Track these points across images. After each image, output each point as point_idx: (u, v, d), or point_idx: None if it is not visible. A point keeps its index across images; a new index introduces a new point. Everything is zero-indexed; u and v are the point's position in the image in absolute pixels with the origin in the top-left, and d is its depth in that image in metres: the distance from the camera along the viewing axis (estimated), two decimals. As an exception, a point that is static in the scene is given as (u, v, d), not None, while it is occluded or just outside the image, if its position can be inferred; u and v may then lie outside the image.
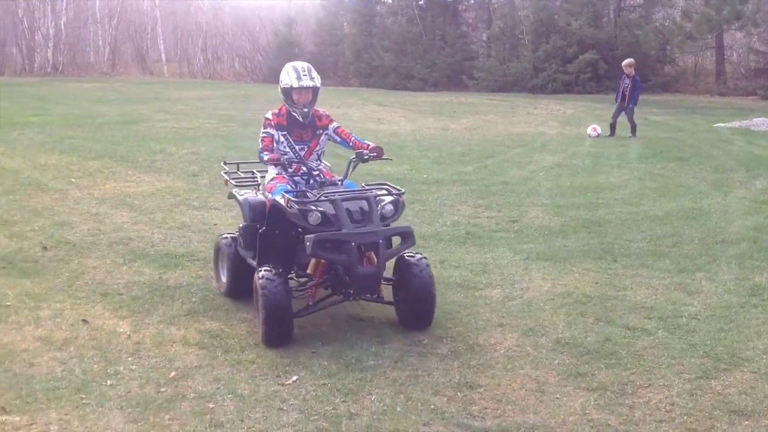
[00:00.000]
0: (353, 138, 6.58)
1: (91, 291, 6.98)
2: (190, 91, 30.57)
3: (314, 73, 6.46)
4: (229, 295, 6.79)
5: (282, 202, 5.89)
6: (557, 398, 5.06)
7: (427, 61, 38.08)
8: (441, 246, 8.75)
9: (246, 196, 6.71)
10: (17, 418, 4.60)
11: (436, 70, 38.00)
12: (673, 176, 13.38)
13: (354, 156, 6.46)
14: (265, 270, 5.79)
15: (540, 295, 7.09)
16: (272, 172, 6.56)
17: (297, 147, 6.49)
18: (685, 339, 6.06)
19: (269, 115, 6.50)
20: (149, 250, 8.23)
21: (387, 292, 6.42)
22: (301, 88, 6.36)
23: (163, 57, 47.30)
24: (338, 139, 6.60)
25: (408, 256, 6.15)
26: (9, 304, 6.53)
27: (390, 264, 6.31)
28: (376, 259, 5.82)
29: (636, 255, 8.42)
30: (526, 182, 12.85)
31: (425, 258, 6.21)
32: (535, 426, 4.67)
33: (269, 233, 6.17)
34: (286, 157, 6.37)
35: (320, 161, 6.68)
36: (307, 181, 6.42)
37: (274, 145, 6.42)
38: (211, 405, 4.86)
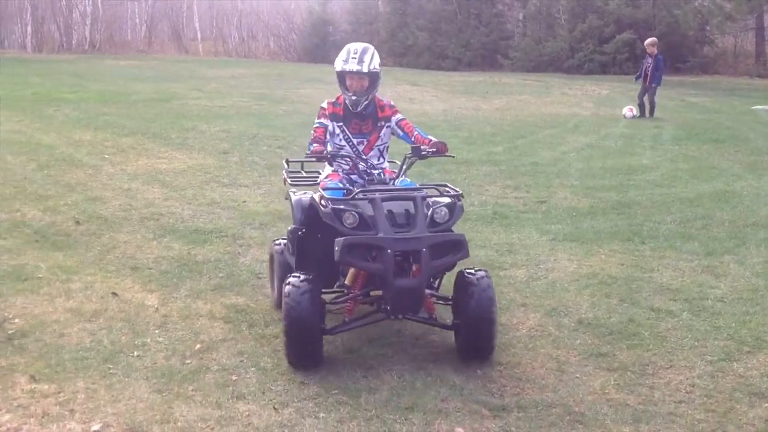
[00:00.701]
0: (416, 132, 5.71)
1: (121, 265, 7.10)
2: (224, 69, 30.72)
3: (368, 57, 5.58)
4: (279, 307, 5.69)
5: (317, 200, 5.27)
6: (577, 377, 5.08)
7: (461, 40, 37.84)
8: (468, 226, 8.74)
9: (299, 196, 5.92)
10: (46, 386, 4.72)
11: (470, 49, 37.76)
12: (707, 158, 13.24)
13: (410, 152, 5.59)
14: (293, 276, 5.05)
15: (565, 276, 7.09)
16: (328, 169, 5.84)
17: (355, 140, 5.71)
18: (709, 321, 6.03)
19: (324, 104, 5.81)
20: (179, 226, 8.35)
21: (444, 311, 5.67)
22: (350, 73, 5.57)
23: (199, 35, 47.56)
24: (401, 133, 5.76)
25: (468, 272, 5.25)
26: (41, 276, 6.68)
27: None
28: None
29: (664, 237, 8.36)
30: (557, 163, 12.79)
31: (488, 276, 5.21)
32: (553, 404, 4.70)
33: (308, 237, 5.51)
34: (332, 150, 5.59)
35: (383, 158, 5.85)
36: (369, 180, 5.58)
37: (328, 137, 5.71)
38: (234, 377, 4.95)
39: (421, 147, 5.46)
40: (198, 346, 5.39)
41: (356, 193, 5.07)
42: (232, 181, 10.55)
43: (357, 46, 5.68)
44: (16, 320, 5.71)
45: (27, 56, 37.86)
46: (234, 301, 6.25)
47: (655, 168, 12.40)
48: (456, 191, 5.21)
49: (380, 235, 4.81)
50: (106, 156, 11.83)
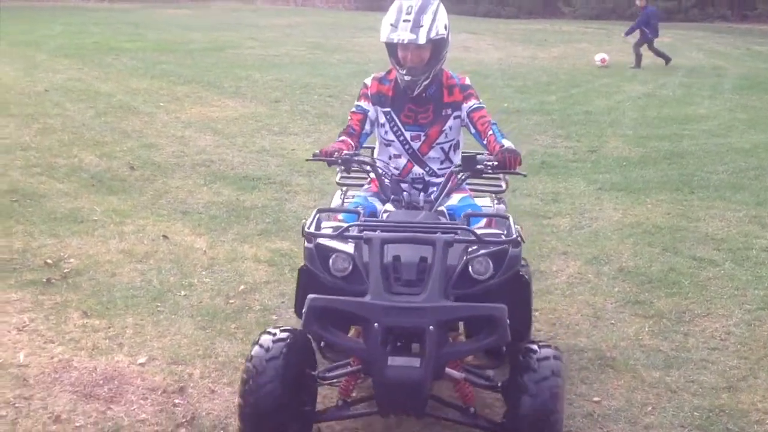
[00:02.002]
0: (491, 132, 3.90)
1: (172, 209, 7.31)
2: (280, 18, 30.78)
3: (428, 17, 3.86)
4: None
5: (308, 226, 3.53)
6: (612, 324, 5.13)
7: (521, -13, 37.24)
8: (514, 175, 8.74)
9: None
10: (97, 322, 4.95)
11: (530, -4, 37.15)
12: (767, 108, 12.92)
13: (458, 164, 3.91)
14: (266, 333, 3.46)
15: (608, 225, 7.08)
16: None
17: (408, 134, 4.06)
18: (751, 271, 5.99)
19: (368, 79, 4.17)
20: (229, 173, 8.53)
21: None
22: (401, 45, 3.89)
23: (257, -17, 47.54)
24: (472, 130, 4.03)
25: (529, 349, 3.40)
26: (96, 219, 6.92)
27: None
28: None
29: (714, 187, 8.26)
30: (611, 112, 12.64)
31: (556, 356, 3.37)
32: (585, 348, 4.76)
33: (313, 275, 3.59)
34: (346, 152, 3.80)
35: (449, 161, 4.11)
36: (425, 191, 4.09)
37: (367, 127, 4.10)
38: (274, 317, 5.12)
39: (478, 157, 3.69)
40: (242, 287, 5.57)
41: (347, 227, 3.44)
42: (282, 129, 10.69)
43: (411, 1, 3.92)
44: (72, 260, 5.95)
45: (87, 5, 38.37)
46: (278, 246, 6.41)
47: (712, 117, 12.17)
48: (514, 232, 3.47)
49: (367, 298, 3.17)
50: (161, 104, 12.06)
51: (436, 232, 3.33)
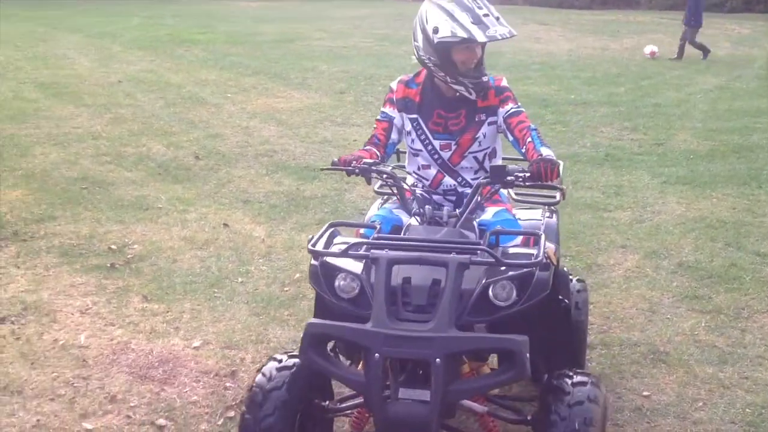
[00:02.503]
0: (529, 139, 3.48)
1: (234, 198, 7.46)
2: (350, 9, 30.94)
3: (495, 8, 3.49)
4: None
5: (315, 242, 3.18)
6: (667, 318, 5.04)
7: (595, -23, 36.55)
8: (577, 167, 8.66)
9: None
10: (156, 306, 5.10)
11: (604, -13, 36.44)
12: None
13: (486, 176, 3.39)
14: (272, 359, 3.23)
15: (671, 219, 6.95)
16: (409, 179, 3.83)
17: (436, 143, 3.65)
18: (817, 268, 5.82)
19: (394, 84, 3.78)
20: (290, 163, 8.65)
21: None
22: (471, 43, 3.42)
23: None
24: (510, 137, 3.60)
25: (559, 374, 3.08)
26: (161, 206, 7.11)
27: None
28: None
29: (784, 182, 8.04)
30: (681, 105, 12.37)
31: (593, 383, 3.00)
32: (638, 343, 4.70)
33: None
34: (368, 161, 3.41)
35: (484, 170, 3.65)
36: (458, 203, 3.68)
37: (394, 136, 3.74)
38: (327, 305, 5.19)
39: (509, 168, 3.27)
40: (297, 275, 5.66)
41: (353, 244, 3.08)
42: (345, 120, 10.78)
43: None
44: (135, 246, 6.13)
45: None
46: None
47: (787, 111, 11.81)
48: (538, 255, 2.95)
49: (368, 324, 2.83)
50: (229, 95, 12.28)
51: (452, 252, 2.93)
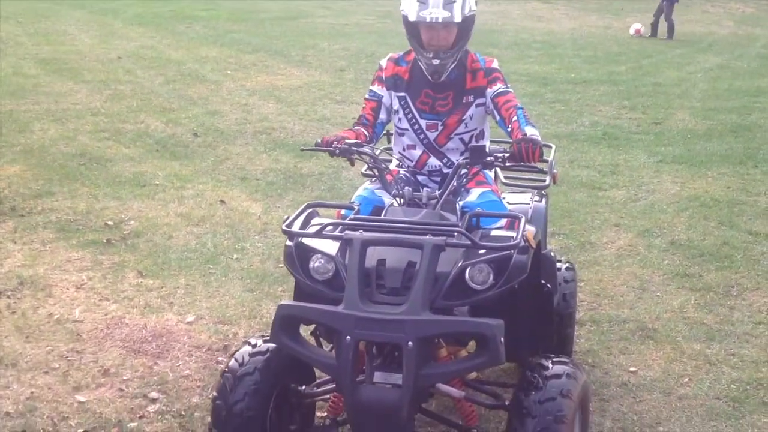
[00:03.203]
0: (515, 117, 3.47)
1: (231, 175, 7.50)
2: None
3: None
4: None
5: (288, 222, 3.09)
6: (657, 296, 5.09)
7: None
8: (574, 146, 8.68)
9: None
10: (151, 282, 5.15)
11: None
12: None
13: (465, 155, 3.47)
14: (246, 343, 3.20)
15: (665, 198, 6.98)
16: (394, 161, 3.87)
17: (423, 122, 3.61)
18: (809, 247, 5.85)
19: (383, 61, 3.68)
20: (288, 140, 8.67)
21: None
22: (429, 24, 3.40)
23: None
24: (497, 117, 3.57)
25: (536, 362, 3.02)
26: (158, 183, 7.15)
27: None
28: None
29: (780, 161, 8.05)
30: (681, 84, 12.37)
31: (570, 373, 2.93)
32: (627, 320, 4.75)
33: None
34: (349, 141, 3.36)
35: (476, 155, 3.29)
36: (440, 186, 3.47)
37: (383, 115, 3.68)
38: (320, 281, 5.23)
39: (488, 150, 3.27)
40: (292, 251, 5.69)
41: (326, 225, 3.04)
42: (345, 98, 10.79)
43: None
44: (132, 222, 6.18)
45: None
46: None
47: (787, 90, 11.80)
48: (513, 239, 2.90)
49: (340, 307, 2.78)
50: (229, 72, 12.28)
51: (427, 234, 2.86)
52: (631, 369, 4.21)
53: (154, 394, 3.88)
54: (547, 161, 4.00)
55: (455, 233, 2.88)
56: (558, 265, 4.05)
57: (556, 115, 10.02)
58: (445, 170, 3.63)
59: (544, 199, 4.03)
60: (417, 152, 3.66)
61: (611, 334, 4.59)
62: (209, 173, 7.53)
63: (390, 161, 3.82)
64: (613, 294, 5.12)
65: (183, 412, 3.73)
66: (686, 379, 4.12)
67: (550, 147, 4.20)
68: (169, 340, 4.40)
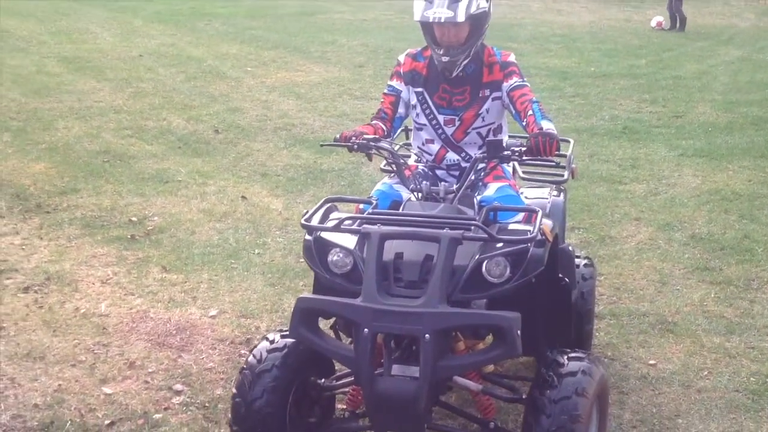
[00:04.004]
0: (530, 111, 3.47)
1: (252, 171, 7.56)
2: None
3: None
4: None
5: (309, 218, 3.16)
6: (677, 290, 5.10)
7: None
8: (594, 140, 8.67)
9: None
10: (174, 276, 5.23)
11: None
12: None
13: (482, 150, 3.46)
14: (264, 339, 3.26)
15: (686, 191, 6.98)
16: (413, 156, 3.89)
17: (441, 118, 3.65)
18: (831, 240, 5.83)
19: (402, 57, 3.75)
20: (309, 136, 8.73)
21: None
22: (437, 24, 3.46)
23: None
24: (512, 110, 3.60)
25: (553, 354, 3.08)
26: (181, 179, 7.23)
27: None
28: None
29: (802, 154, 8.02)
30: (701, 77, 12.30)
31: (587, 368, 2.97)
32: (647, 313, 4.76)
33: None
34: (367, 136, 3.41)
35: (493, 149, 3.28)
36: (458, 180, 3.53)
37: (401, 110, 3.72)
38: (341, 275, 5.29)
39: (506, 143, 3.30)
40: (313, 246, 5.75)
41: (345, 219, 3.10)
42: (364, 93, 10.83)
43: None
44: (155, 218, 6.26)
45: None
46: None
47: (810, 82, 11.72)
48: (530, 233, 2.93)
49: (358, 300, 2.83)
50: (249, 69, 12.36)
51: (445, 228, 2.90)
52: (651, 362, 4.23)
53: (178, 387, 3.95)
54: (564, 155, 4.01)
55: (472, 227, 2.92)
56: (576, 261, 4.04)
57: (576, 110, 10.01)
58: (464, 164, 3.65)
59: (562, 194, 4.06)
60: (435, 147, 3.70)
61: (631, 328, 4.61)
62: (230, 169, 7.60)
63: (409, 157, 3.85)
64: (633, 288, 5.13)
65: (207, 404, 3.80)
66: (705, 372, 4.13)
67: (569, 142, 4.25)
68: (193, 334, 4.47)
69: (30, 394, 3.84)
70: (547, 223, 3.09)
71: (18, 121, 8.96)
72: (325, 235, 3.08)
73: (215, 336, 4.46)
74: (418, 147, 3.77)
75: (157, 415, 3.72)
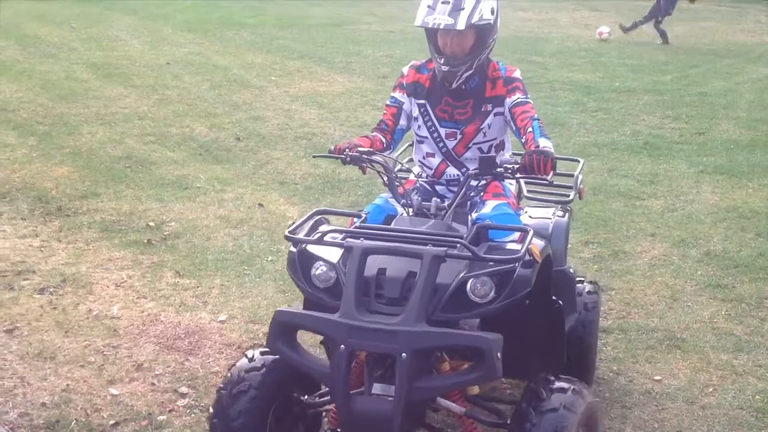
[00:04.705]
0: (530, 129, 3.40)
1: (271, 179, 7.64)
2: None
3: (470, 0, 3.35)
4: None
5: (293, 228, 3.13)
6: (687, 306, 5.08)
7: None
8: (614, 155, 8.65)
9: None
10: (187, 281, 5.30)
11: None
12: None
13: (473, 168, 3.39)
14: (245, 356, 3.18)
15: (703, 208, 6.94)
16: (415, 170, 3.88)
17: (442, 131, 3.59)
18: None
19: (405, 68, 3.72)
20: (328, 146, 8.64)
21: None
22: (431, 29, 3.45)
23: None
24: (513, 127, 3.53)
25: (540, 383, 2.89)
26: (200, 186, 7.31)
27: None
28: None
29: (824, 173, 7.94)
30: (727, 94, 12.21)
31: (574, 395, 2.84)
32: (656, 329, 4.75)
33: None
34: (361, 149, 3.38)
35: (486, 166, 3.26)
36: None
37: (403, 122, 3.67)
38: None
39: (499, 160, 3.31)
40: (326, 254, 5.80)
41: (328, 232, 3.05)
42: (386, 104, 10.87)
43: None
44: (173, 223, 6.34)
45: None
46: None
47: (835, 101, 11.60)
48: (517, 253, 2.87)
49: (336, 315, 2.77)
50: (273, 78, 12.46)
51: (424, 248, 2.80)
52: (656, 377, 4.23)
53: (184, 389, 4.01)
54: (571, 175, 4.00)
55: (457, 245, 2.85)
56: (579, 287, 3.96)
57: (598, 124, 9.98)
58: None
59: (567, 215, 3.96)
60: (436, 161, 3.64)
61: (638, 343, 4.60)
62: (249, 177, 7.68)
63: (410, 171, 3.83)
64: (644, 303, 5.12)
65: (211, 407, 3.84)
66: (711, 389, 4.12)
67: (578, 161, 4.22)
68: (201, 338, 4.53)
69: (38, 392, 3.92)
70: (537, 243, 3.00)
71: (44, 125, 9.12)
72: (310, 248, 3.04)
73: (223, 341, 4.52)
74: (419, 161, 3.72)
75: (162, 417, 3.78)
